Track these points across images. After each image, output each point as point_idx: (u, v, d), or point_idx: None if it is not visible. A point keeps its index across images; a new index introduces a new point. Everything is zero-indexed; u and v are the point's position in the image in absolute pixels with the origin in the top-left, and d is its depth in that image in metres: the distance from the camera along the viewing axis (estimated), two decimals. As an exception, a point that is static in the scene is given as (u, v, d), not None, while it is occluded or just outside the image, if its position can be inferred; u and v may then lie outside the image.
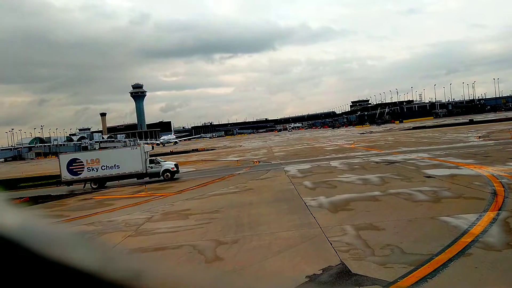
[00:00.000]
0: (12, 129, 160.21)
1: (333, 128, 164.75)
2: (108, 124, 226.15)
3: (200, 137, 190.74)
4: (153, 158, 31.99)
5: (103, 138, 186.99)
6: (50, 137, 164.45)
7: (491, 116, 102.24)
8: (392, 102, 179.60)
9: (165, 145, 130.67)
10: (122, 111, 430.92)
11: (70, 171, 30.14)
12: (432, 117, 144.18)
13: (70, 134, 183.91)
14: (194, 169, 36.95)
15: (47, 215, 19.31)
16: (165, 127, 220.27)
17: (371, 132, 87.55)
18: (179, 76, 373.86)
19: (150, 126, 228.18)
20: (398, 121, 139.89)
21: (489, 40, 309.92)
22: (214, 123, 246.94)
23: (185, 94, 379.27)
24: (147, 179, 30.33)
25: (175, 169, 30.71)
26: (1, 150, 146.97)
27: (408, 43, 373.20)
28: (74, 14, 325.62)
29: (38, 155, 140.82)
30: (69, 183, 30.38)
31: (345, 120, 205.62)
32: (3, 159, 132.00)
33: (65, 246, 0.89)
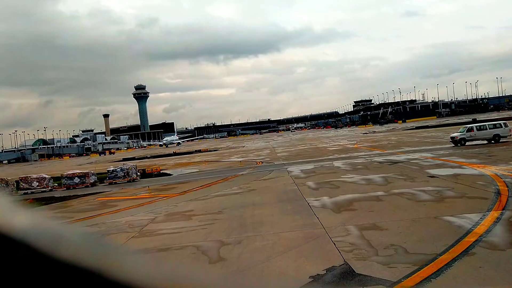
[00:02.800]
0: (16, 131, 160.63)
1: (336, 128, 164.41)
2: (112, 125, 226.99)
3: (203, 138, 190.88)
4: None
5: (106, 139, 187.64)
6: (53, 138, 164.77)
7: (494, 115, 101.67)
8: (395, 102, 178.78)
9: (168, 146, 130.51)
10: (127, 112, 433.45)
11: None
12: (435, 117, 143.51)
13: (73, 136, 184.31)
14: (198, 170, 36.99)
15: (51, 216, 19.37)
16: (168, 128, 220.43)
17: (374, 132, 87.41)
18: (184, 78, 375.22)
19: (153, 127, 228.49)
20: (401, 121, 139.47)
21: (488, 41, 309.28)
22: (217, 124, 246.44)
23: (189, 96, 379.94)
24: None
25: None
26: (5, 152, 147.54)
27: (408, 44, 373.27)
28: (83, 21, 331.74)
29: (41, 157, 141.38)
30: None
31: (348, 120, 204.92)
32: (6, 161, 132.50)
33: (73, 246, 0.90)
